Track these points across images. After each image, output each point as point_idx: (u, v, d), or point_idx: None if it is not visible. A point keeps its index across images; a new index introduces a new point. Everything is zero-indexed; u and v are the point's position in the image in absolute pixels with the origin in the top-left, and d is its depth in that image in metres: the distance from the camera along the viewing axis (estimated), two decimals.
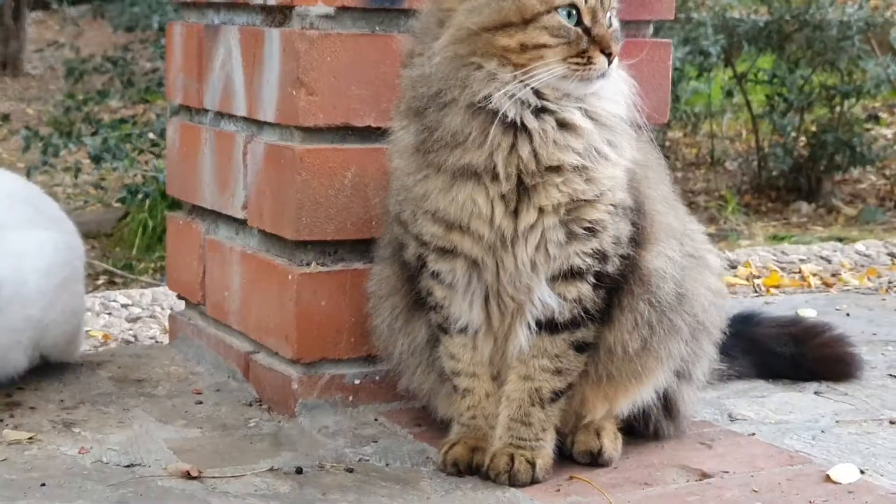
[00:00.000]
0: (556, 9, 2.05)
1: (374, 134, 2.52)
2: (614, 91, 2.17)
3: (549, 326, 2.20)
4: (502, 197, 2.11)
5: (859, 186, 9.19)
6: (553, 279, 2.18)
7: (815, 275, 4.03)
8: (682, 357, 2.34)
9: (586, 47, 2.06)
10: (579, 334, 2.22)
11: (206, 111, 2.88)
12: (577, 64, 2.06)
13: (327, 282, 2.55)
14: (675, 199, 2.39)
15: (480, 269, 2.19)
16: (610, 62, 2.07)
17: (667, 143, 10.26)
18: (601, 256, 2.18)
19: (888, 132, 9.97)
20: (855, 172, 9.12)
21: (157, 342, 3.31)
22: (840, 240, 7.68)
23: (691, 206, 8.80)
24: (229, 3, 2.75)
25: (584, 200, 2.13)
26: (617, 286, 2.22)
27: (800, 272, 4.08)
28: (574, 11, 2.06)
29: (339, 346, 2.57)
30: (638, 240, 2.23)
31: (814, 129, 8.67)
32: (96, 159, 7.37)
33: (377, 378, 2.59)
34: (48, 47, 8.70)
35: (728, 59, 8.92)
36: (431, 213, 2.16)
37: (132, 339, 3.35)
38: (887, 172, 9.23)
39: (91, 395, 2.67)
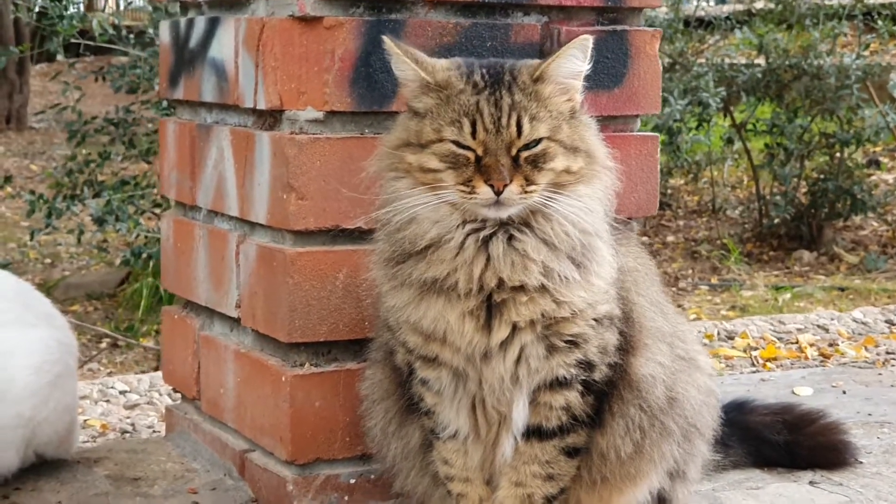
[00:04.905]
0: (446, 139, 2.08)
1: (365, 235, 2.54)
2: (579, 209, 2.12)
3: (537, 433, 2.22)
4: (471, 312, 2.13)
5: (861, 233, 9.19)
6: (538, 389, 2.19)
7: (812, 345, 4.03)
8: (674, 458, 2.35)
9: (471, 176, 2.06)
10: (569, 440, 2.23)
11: (199, 208, 2.90)
12: (463, 192, 2.07)
13: (321, 383, 2.56)
14: (664, 301, 2.41)
15: (465, 378, 2.20)
16: (498, 192, 2.04)
17: (668, 192, 10.30)
18: (587, 366, 2.19)
19: (889, 177, 9.98)
20: (857, 219, 9.13)
21: (154, 432, 3.32)
22: (842, 289, 7.70)
23: (693, 255, 8.83)
24: (221, 104, 2.78)
25: (562, 317, 2.14)
26: (606, 392, 2.23)
27: (797, 343, 4.08)
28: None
29: (333, 445, 2.58)
30: (626, 347, 2.24)
31: (814, 176, 8.69)
32: (99, 221, 7.40)
33: (372, 477, 2.60)
34: (50, 109, 8.73)
35: (727, 108, 8.95)
36: (409, 324, 2.19)
37: (130, 429, 3.36)
38: (889, 218, 9.24)
39: (88, 495, 2.67)
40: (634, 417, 2.25)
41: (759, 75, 8.61)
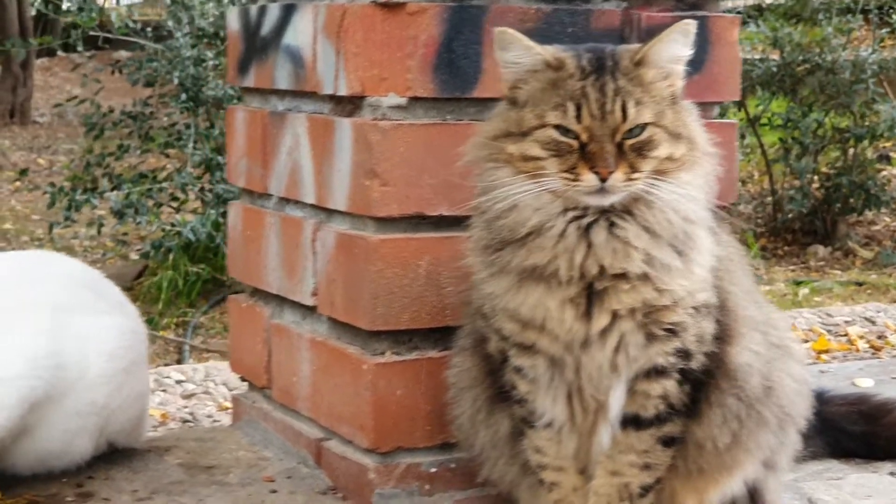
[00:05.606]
0: (549, 125, 2.06)
1: (447, 223, 2.52)
2: (681, 196, 2.10)
3: (634, 422, 2.20)
4: (571, 300, 2.11)
5: (874, 228, 9.20)
6: (636, 377, 2.17)
7: (861, 337, 4.02)
8: (770, 448, 2.33)
9: (575, 163, 2.04)
10: (666, 429, 2.21)
11: (270, 196, 2.88)
12: (567, 179, 2.05)
13: (402, 371, 2.54)
14: (755, 289, 2.39)
15: (561, 366, 2.18)
16: (603, 179, 2.03)
17: None
18: (684, 354, 2.17)
19: None
20: (869, 214, 9.14)
21: (214, 421, 3.30)
22: (860, 284, 7.70)
23: None
24: (295, 91, 2.75)
25: (662, 306, 2.12)
26: (703, 382, 2.21)
27: (846, 335, 4.07)
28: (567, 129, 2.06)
29: (414, 434, 2.56)
30: (722, 336, 2.22)
31: (827, 171, 8.69)
32: (119, 214, 7.39)
33: (452, 465, 2.58)
34: (67, 102, 8.69)
35: (741, 102, 8.94)
36: (507, 311, 2.17)
37: (189, 418, 3.34)
38: None
39: (163, 483, 2.65)
40: (732, 407, 2.23)
41: (774, 69, 8.60)
